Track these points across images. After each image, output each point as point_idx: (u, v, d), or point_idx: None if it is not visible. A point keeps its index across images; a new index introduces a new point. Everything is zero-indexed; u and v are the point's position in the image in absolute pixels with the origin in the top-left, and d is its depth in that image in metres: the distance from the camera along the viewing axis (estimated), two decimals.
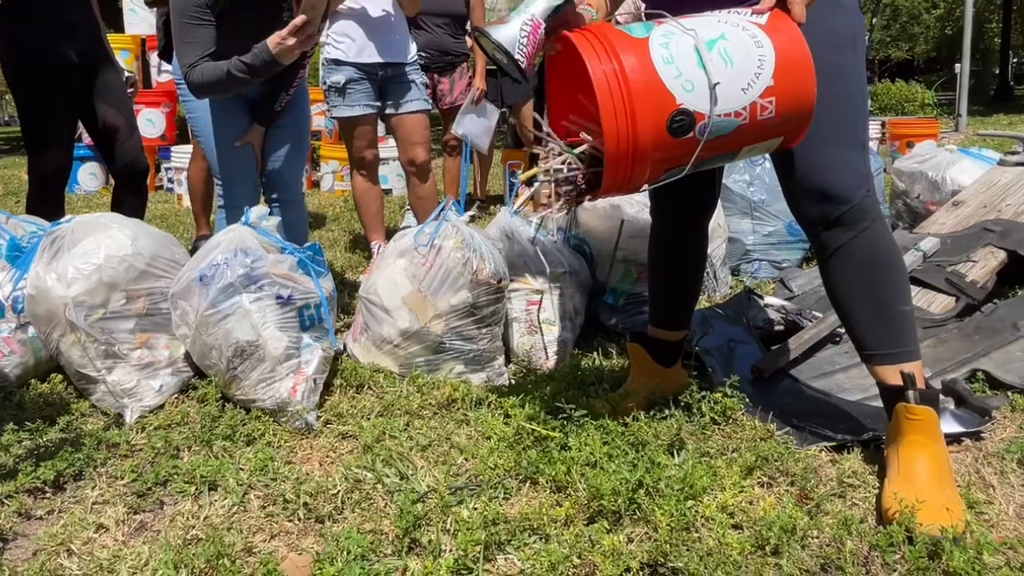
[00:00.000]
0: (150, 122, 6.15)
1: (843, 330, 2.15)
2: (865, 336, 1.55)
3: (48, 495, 1.58)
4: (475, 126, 4.15)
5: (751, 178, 3.11)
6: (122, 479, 1.62)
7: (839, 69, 1.49)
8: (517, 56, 1.42)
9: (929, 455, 1.42)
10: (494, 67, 4.53)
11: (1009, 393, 1.86)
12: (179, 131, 6.47)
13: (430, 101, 3.51)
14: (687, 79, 1.30)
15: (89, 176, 6.02)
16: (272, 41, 2.12)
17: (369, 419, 1.86)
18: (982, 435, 1.68)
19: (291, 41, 2.11)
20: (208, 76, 2.20)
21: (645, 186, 1.43)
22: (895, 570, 1.24)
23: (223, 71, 2.18)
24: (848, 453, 1.63)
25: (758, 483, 1.53)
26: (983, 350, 2.01)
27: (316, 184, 6.45)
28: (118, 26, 6.76)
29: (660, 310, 1.93)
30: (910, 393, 1.46)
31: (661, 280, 1.91)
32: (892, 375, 1.51)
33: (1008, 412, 1.79)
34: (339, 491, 1.52)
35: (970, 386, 1.88)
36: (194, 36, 2.21)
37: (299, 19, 2.09)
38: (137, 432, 1.84)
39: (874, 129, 6.73)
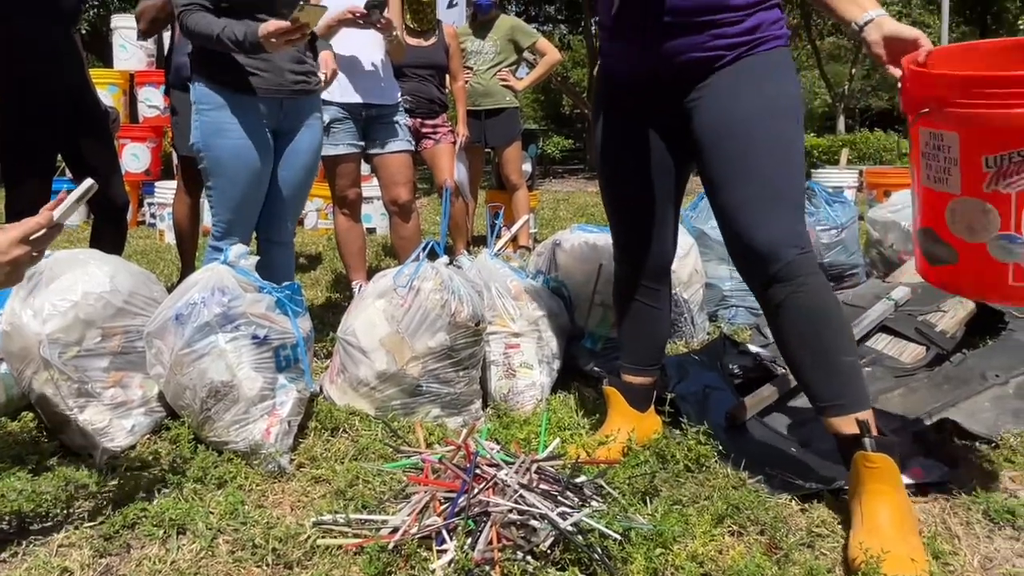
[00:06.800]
0: (135, 157, 6.17)
1: None
2: (814, 389, 1.59)
3: (12, 537, 1.55)
4: (461, 173, 4.23)
5: None
6: (89, 521, 1.60)
7: (777, 132, 1.59)
8: None
9: (891, 504, 1.44)
10: (477, 108, 4.62)
11: (977, 443, 1.89)
12: (163, 166, 6.49)
13: (413, 143, 3.56)
14: None
15: None
16: (262, 30, 2.17)
17: (343, 463, 1.85)
18: (949, 485, 1.70)
19: (273, 39, 2.17)
20: (201, 28, 2.24)
21: None
22: None
23: (214, 33, 2.22)
24: (818, 502, 1.65)
25: (728, 532, 1.53)
26: (952, 400, 2.04)
27: (300, 222, 6.47)
28: (107, 61, 6.81)
29: (629, 354, 1.96)
30: (866, 440, 1.49)
31: (626, 324, 1.95)
32: (846, 425, 1.54)
33: (976, 462, 1.82)
34: (309, 536, 1.51)
35: (938, 436, 1.90)
36: None
37: (284, 25, 2.16)
38: (107, 473, 1.82)
39: (852, 178, 6.86)
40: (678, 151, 1.78)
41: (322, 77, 2.70)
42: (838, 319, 1.59)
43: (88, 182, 1.49)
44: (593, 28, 14.70)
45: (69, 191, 1.49)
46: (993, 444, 1.88)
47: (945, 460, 1.76)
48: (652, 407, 1.98)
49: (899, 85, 1.50)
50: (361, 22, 3.01)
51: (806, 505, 1.64)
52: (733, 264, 1.69)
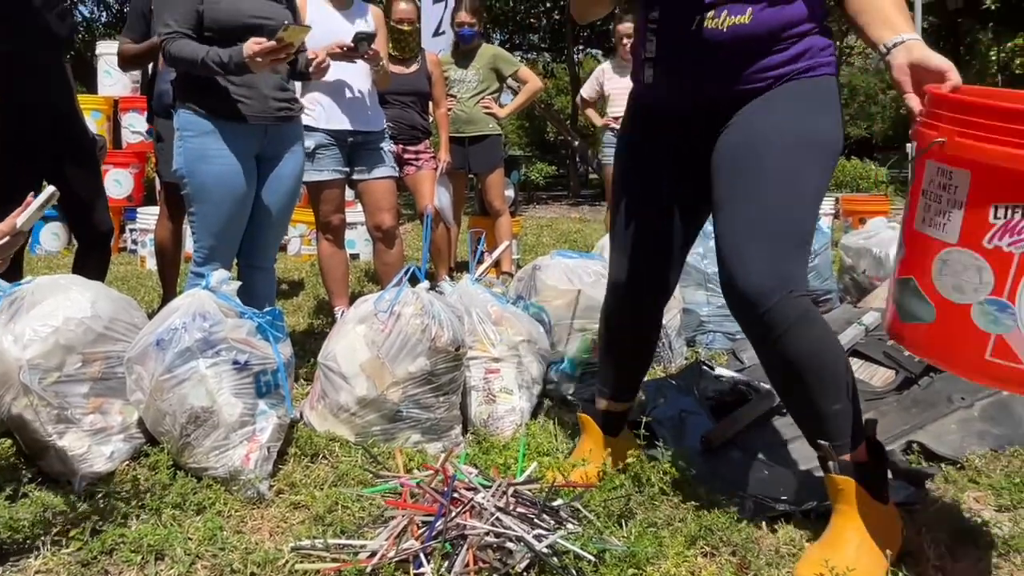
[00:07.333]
0: (117, 183, 6.17)
1: None
2: (799, 425, 1.61)
3: None
4: (443, 198, 4.27)
5: (705, 251, 3.22)
6: (67, 547, 1.60)
7: (794, 162, 1.51)
8: None
9: (853, 526, 1.47)
10: (461, 135, 4.66)
11: (943, 465, 1.94)
12: (146, 192, 6.49)
13: (397, 169, 3.61)
14: None
15: (52, 236, 5.98)
16: (247, 50, 2.21)
17: (322, 489, 1.87)
18: (915, 506, 1.74)
19: (259, 59, 2.22)
20: (186, 54, 2.28)
21: None
22: None
23: (199, 57, 2.26)
24: (786, 522, 1.68)
25: (701, 553, 1.56)
26: (920, 422, 2.10)
27: (283, 248, 6.48)
28: (92, 87, 6.83)
29: (608, 382, 1.98)
30: (830, 464, 1.51)
31: (610, 355, 1.96)
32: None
33: (941, 483, 1.86)
34: (288, 562, 1.52)
35: (906, 457, 1.95)
36: (176, 5, 2.29)
37: (269, 44, 2.20)
38: (85, 499, 1.82)
39: (828, 205, 6.98)
40: (703, 186, 1.67)
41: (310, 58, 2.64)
42: (828, 366, 1.50)
43: (50, 189, 1.52)
44: (576, 56, 14.91)
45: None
46: (959, 465, 1.93)
47: (912, 481, 1.80)
48: (626, 430, 2.01)
49: (916, 116, 1.33)
50: (349, 55, 3.07)
51: (775, 526, 1.68)
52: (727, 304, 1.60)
